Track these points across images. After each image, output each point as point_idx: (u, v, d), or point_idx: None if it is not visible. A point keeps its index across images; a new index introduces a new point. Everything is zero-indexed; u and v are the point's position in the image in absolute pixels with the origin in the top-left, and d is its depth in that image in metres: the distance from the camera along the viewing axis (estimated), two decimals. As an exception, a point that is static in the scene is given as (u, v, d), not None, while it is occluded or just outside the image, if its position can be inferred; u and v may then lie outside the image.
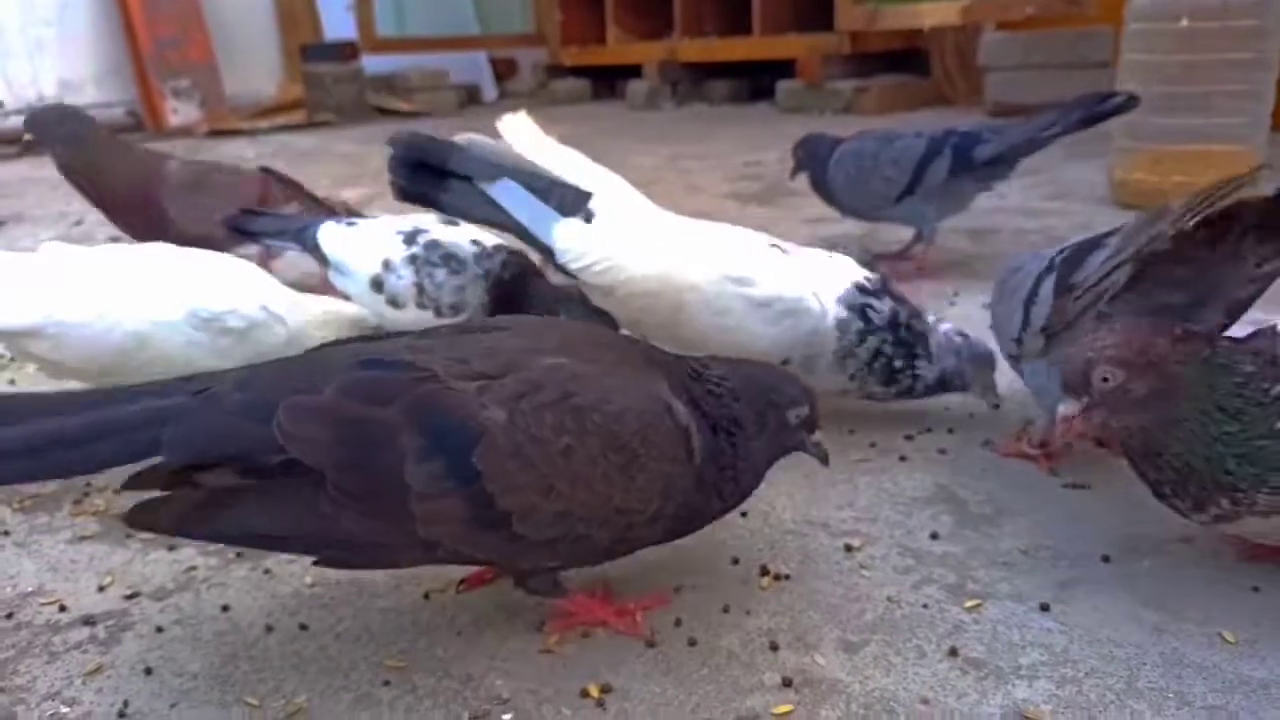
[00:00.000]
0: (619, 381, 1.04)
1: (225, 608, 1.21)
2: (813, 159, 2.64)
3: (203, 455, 0.97)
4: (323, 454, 0.94)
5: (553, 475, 0.97)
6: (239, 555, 1.32)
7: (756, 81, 7.74)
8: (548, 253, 1.57)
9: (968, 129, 2.47)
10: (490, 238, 1.77)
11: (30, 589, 1.27)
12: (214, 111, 7.62)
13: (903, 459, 1.53)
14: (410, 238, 1.75)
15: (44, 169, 4.21)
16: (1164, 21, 3.07)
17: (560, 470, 0.98)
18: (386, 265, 1.73)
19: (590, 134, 6.31)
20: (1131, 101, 2.42)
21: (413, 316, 1.69)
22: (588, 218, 1.54)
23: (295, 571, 1.28)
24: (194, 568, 1.30)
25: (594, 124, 6.80)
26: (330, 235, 1.78)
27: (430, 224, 1.78)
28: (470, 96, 8.78)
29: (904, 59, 7.07)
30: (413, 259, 1.72)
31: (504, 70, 9.45)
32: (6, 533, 1.42)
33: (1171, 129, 3.12)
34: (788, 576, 1.22)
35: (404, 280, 1.71)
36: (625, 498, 1.01)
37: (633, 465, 1.00)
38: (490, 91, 9.24)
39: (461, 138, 1.61)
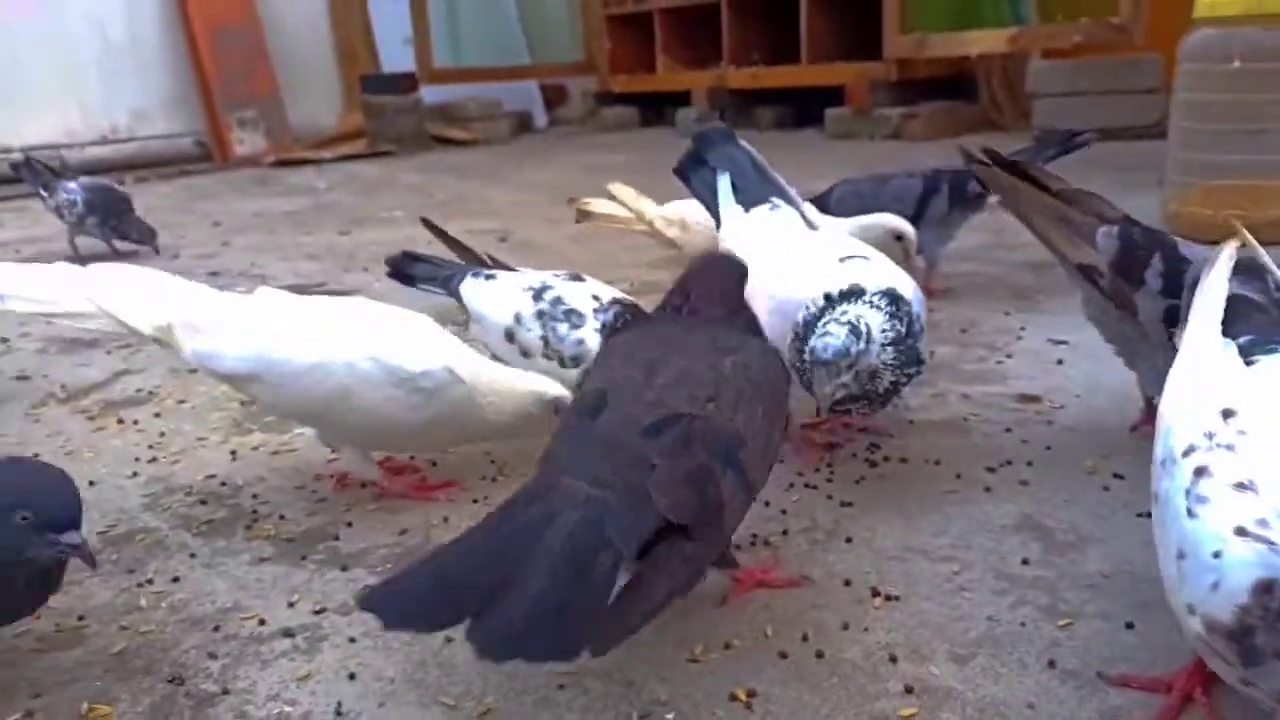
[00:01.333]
0: (753, 351, 1.33)
1: (403, 622, 1.38)
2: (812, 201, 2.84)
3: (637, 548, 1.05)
4: (688, 509, 1.08)
5: (765, 442, 1.25)
6: (405, 576, 1.50)
7: (803, 107, 7.91)
8: None
9: (948, 166, 2.77)
10: (607, 292, 1.94)
11: (228, 605, 1.46)
12: (279, 142, 7.90)
13: (987, 490, 1.68)
14: (537, 294, 1.91)
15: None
16: (1216, 62, 3.20)
17: (763, 438, 1.24)
18: (517, 319, 1.89)
19: (644, 162, 6.51)
20: (1094, 138, 2.83)
21: (542, 366, 1.86)
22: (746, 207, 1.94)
23: (458, 590, 1.46)
24: (369, 586, 1.48)
25: (648, 152, 6.99)
26: (471, 288, 1.97)
27: (555, 281, 1.95)
28: (522, 124, 9.04)
29: (951, 86, 7.22)
30: (539, 314, 1.88)
31: (554, 98, 9.71)
32: (193, 555, 1.61)
33: (1224, 164, 3.25)
34: (897, 597, 1.38)
35: (531, 333, 1.88)
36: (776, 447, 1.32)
37: (779, 414, 1.33)
38: (541, 118, 9.50)
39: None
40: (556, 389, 1.67)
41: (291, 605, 1.45)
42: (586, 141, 8.10)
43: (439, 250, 2.24)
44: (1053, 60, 6.35)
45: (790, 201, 1.98)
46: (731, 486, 1.17)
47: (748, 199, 1.97)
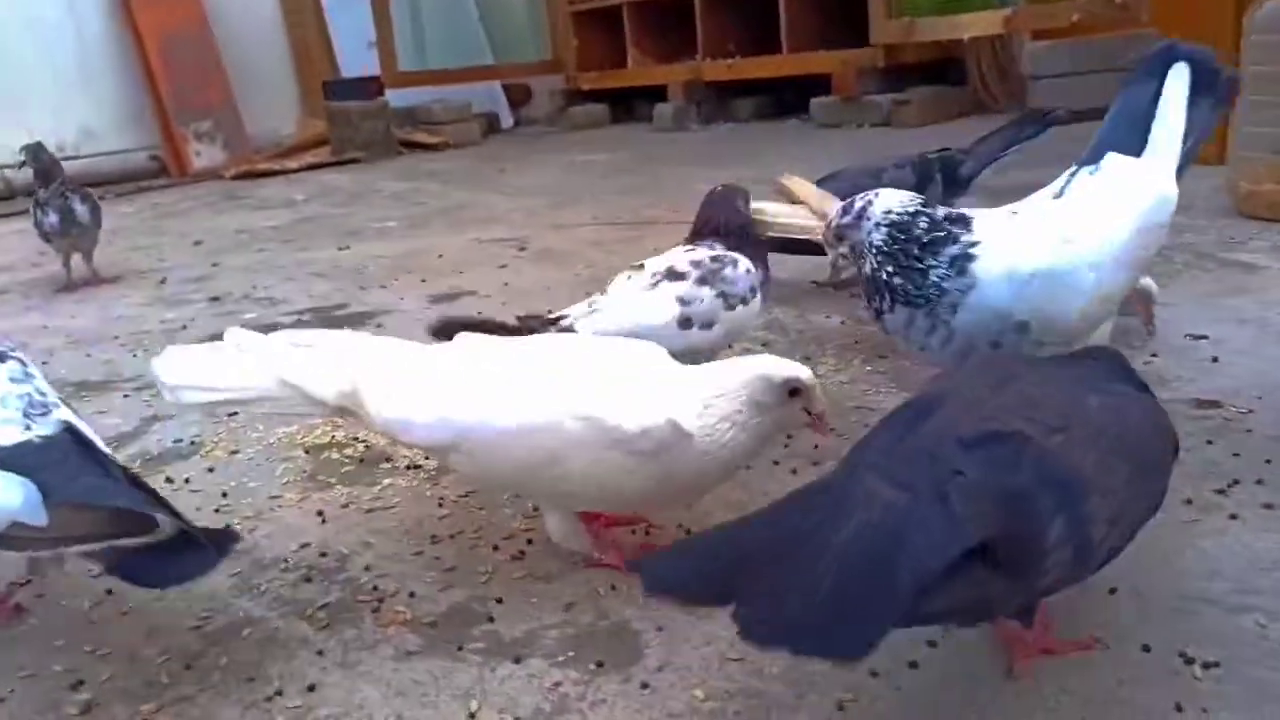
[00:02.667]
0: (1133, 404, 1.16)
1: (619, 730, 1.13)
2: None
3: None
4: (990, 525, 0.94)
5: (1121, 506, 1.05)
6: (600, 666, 1.24)
7: (784, 97, 7.71)
8: None
9: (933, 153, 2.76)
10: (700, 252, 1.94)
11: (393, 718, 1.18)
12: (238, 153, 7.51)
13: (1233, 517, 1.46)
14: (679, 273, 1.87)
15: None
16: (1286, 33, 3.05)
17: (1122, 498, 1.05)
18: (682, 300, 1.82)
19: (632, 159, 6.25)
20: (1068, 115, 2.90)
21: (721, 331, 1.85)
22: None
23: (672, 683, 1.20)
24: (559, 683, 1.22)
25: (627, 149, 6.74)
26: (597, 322, 1.78)
27: (667, 260, 1.92)
28: (490, 125, 8.71)
29: (938, 70, 7.05)
30: (700, 280, 1.85)
31: (519, 97, 9.40)
32: (320, 652, 1.33)
33: (1296, 139, 3.10)
34: (1216, 664, 1.15)
35: (704, 300, 1.83)
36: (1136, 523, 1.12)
37: (1150, 486, 1.12)
38: (507, 119, 9.19)
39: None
40: (785, 368, 1.32)
41: (473, 716, 1.18)
42: (559, 141, 7.81)
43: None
44: (1051, 40, 6.21)
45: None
46: (1062, 534, 0.98)
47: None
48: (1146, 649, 1.18)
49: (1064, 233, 1.61)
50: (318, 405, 1.43)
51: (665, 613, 1.34)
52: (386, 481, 1.82)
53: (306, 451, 2.00)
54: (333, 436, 2.05)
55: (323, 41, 8.35)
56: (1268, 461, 1.62)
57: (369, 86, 7.50)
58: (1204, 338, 2.21)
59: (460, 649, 1.30)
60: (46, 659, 1.35)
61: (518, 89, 9.37)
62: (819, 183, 2.78)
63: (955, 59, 6.95)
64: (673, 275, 1.87)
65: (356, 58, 8.31)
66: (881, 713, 1.13)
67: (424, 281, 3.41)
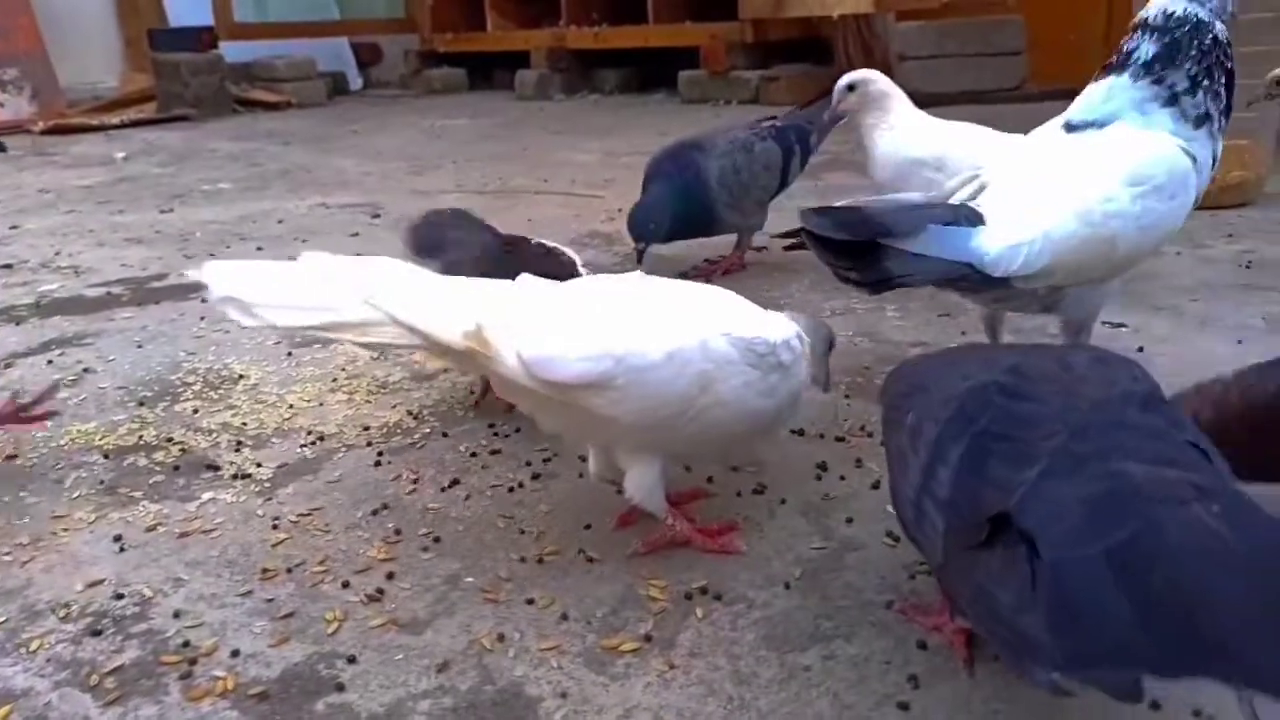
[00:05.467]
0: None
1: None
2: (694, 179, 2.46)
3: None
4: None
5: None
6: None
7: (649, 70, 7.46)
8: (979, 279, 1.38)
9: (785, 123, 2.58)
10: None
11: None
12: (49, 106, 6.75)
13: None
14: None
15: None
16: None
17: None
18: None
19: (496, 126, 5.90)
20: (823, 103, 2.61)
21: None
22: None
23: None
24: (433, 783, 0.92)
25: (489, 116, 6.38)
26: None
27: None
28: (336, 87, 8.15)
29: (805, 48, 6.93)
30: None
31: (369, 57, 8.86)
32: (107, 741, 0.99)
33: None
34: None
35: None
36: None
37: None
38: (355, 80, 8.65)
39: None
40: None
41: (317, 836, 0.87)
42: (414, 105, 7.35)
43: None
44: (919, 22, 6.16)
45: None
46: None
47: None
48: (1156, 706, 0.98)
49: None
50: (432, 344, 1.21)
51: (569, 672, 1.06)
52: (207, 496, 1.47)
53: (106, 456, 1.62)
54: (140, 437, 1.68)
55: (149, -14, 7.61)
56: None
57: (201, 37, 6.88)
58: (1123, 326, 2.07)
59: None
60: None
61: (367, 48, 8.81)
62: (672, 153, 2.53)
63: (822, 39, 6.84)
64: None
65: (188, 7, 7.61)
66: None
67: (260, 250, 3.01)
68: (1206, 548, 0.75)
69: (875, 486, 1.43)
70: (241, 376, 1.95)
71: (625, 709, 1.00)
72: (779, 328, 1.29)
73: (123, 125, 6.49)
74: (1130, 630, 0.72)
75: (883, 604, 1.16)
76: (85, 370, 2.01)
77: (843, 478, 1.47)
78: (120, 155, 5.10)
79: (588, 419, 1.22)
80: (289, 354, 2.06)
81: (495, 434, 1.65)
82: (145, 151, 5.29)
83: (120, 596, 1.23)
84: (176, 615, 1.19)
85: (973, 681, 1.02)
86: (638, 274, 1.37)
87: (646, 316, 1.24)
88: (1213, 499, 0.79)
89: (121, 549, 1.34)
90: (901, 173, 2.26)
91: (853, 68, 6.94)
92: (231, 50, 7.27)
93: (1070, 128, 1.52)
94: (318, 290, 1.21)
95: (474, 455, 1.58)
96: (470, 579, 1.24)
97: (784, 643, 1.10)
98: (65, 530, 1.39)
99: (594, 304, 1.26)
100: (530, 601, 1.18)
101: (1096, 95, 1.51)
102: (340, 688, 1.05)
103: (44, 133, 6.26)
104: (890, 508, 1.36)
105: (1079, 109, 1.53)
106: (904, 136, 2.29)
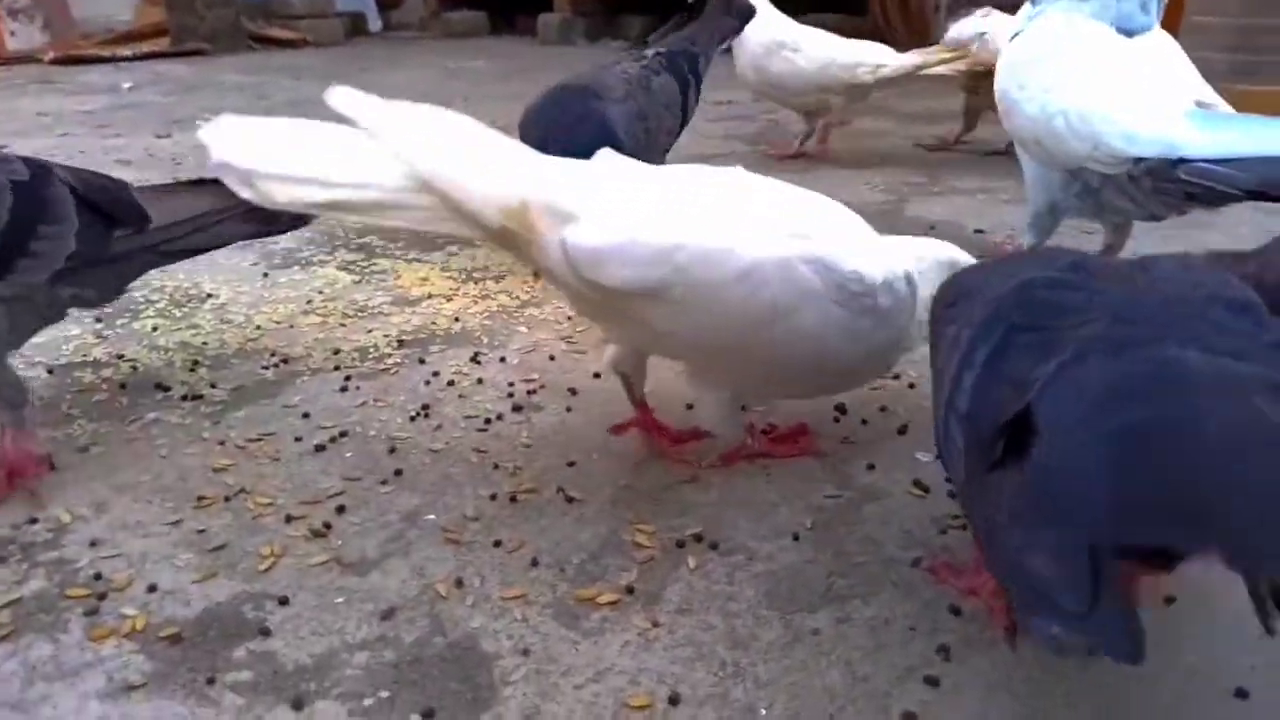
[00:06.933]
0: None
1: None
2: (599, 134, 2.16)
3: None
4: None
5: None
6: (427, 718, 0.79)
7: (673, 17, 7.20)
8: None
9: (670, 49, 2.30)
10: None
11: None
12: (62, 36, 6.58)
13: None
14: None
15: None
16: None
17: None
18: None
19: (514, 69, 5.69)
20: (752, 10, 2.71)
21: None
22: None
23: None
24: None
25: (509, 60, 6.16)
26: None
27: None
28: (356, 27, 7.94)
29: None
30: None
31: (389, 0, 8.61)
32: (-16, 682, 0.84)
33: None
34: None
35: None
36: None
37: None
38: (375, 22, 8.42)
39: None
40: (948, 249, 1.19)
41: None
42: (433, 47, 7.13)
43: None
44: (959, -30, 5.89)
45: None
46: None
47: None
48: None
49: None
50: (468, 224, 1.02)
51: (534, 625, 0.90)
52: (150, 416, 1.32)
53: (50, 371, 1.47)
54: (89, 353, 1.53)
55: (166, -84, 7.40)
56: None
57: (217, -31, 6.64)
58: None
59: (210, 682, 0.84)
60: None
61: (388, -9, 8.59)
62: (559, 102, 2.16)
63: (857, -12, 6.58)
64: None
65: (205, -61, 7.39)
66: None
67: (254, 176, 2.84)
68: (1259, 441, 0.58)
69: (902, 431, 1.26)
70: (210, 295, 1.79)
71: (596, 671, 0.84)
72: (887, 264, 1.08)
73: (134, 58, 6.32)
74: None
75: (908, 561, 0.99)
76: (46, 285, 1.86)
77: (865, 421, 1.29)
78: (127, 85, 4.92)
79: (647, 331, 1.04)
80: (265, 274, 1.89)
81: (477, 362, 1.49)
82: (153, 81, 5.12)
83: (34, 521, 1.08)
84: (93, 544, 1.03)
85: (1015, 656, 0.85)
86: (739, 168, 1.14)
87: (728, 221, 1.04)
88: None
89: (50, 468, 1.18)
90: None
91: (888, 20, 6.71)
92: (248, -15, 7.07)
93: None
94: (338, 156, 1.02)
95: (451, 384, 1.41)
96: (431, 516, 1.08)
97: (789, 601, 0.93)
98: (-11, 448, 1.24)
99: (672, 196, 1.06)
100: (497, 544, 1.02)
101: None
102: (265, 632, 0.89)
103: (53, 62, 6.11)
104: (920, 454, 1.20)
105: None
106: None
